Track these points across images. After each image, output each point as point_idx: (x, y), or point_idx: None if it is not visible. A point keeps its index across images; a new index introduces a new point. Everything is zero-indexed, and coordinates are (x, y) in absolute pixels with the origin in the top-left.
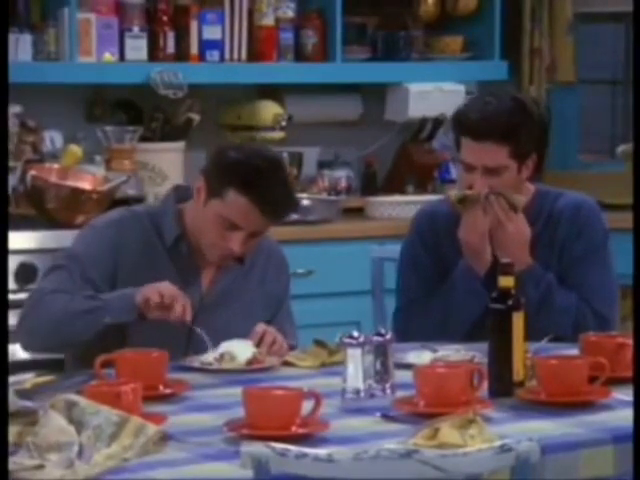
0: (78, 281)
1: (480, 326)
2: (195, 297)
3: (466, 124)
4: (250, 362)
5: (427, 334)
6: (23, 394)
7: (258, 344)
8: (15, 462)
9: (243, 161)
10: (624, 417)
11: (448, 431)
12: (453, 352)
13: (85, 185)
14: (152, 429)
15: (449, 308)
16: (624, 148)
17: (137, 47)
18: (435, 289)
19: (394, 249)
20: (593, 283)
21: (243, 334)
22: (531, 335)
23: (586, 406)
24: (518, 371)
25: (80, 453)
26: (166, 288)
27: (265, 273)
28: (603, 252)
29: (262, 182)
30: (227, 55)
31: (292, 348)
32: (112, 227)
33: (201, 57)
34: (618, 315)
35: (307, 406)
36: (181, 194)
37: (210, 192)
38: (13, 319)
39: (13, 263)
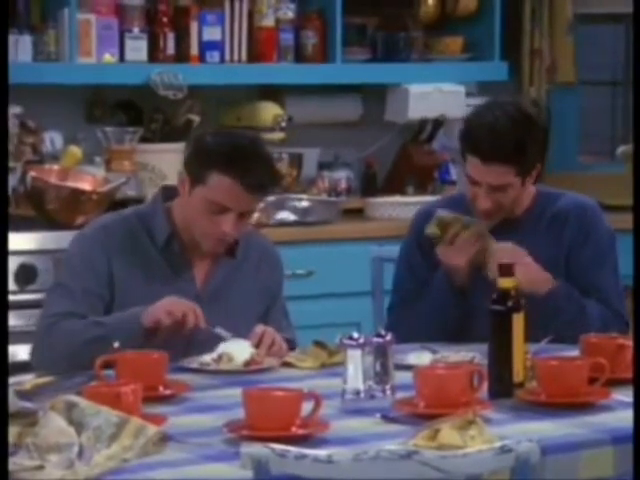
0: (80, 297)
1: (462, 329)
2: (190, 294)
3: (473, 144)
4: (248, 363)
5: (414, 334)
6: (23, 395)
7: (257, 345)
8: (15, 463)
9: (221, 142)
10: (624, 418)
11: (448, 432)
12: (453, 353)
13: (85, 186)
14: (152, 430)
15: (431, 311)
16: (624, 149)
17: (137, 48)
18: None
19: (394, 250)
20: (609, 286)
21: (239, 328)
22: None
23: (586, 407)
24: (518, 372)
25: (80, 454)
26: (172, 304)
27: (258, 268)
28: (612, 254)
29: (242, 159)
30: (227, 56)
31: (289, 341)
32: (101, 231)
33: (201, 58)
34: None
35: (307, 407)
36: (169, 193)
37: (193, 180)
38: (14, 320)
39: (13, 264)
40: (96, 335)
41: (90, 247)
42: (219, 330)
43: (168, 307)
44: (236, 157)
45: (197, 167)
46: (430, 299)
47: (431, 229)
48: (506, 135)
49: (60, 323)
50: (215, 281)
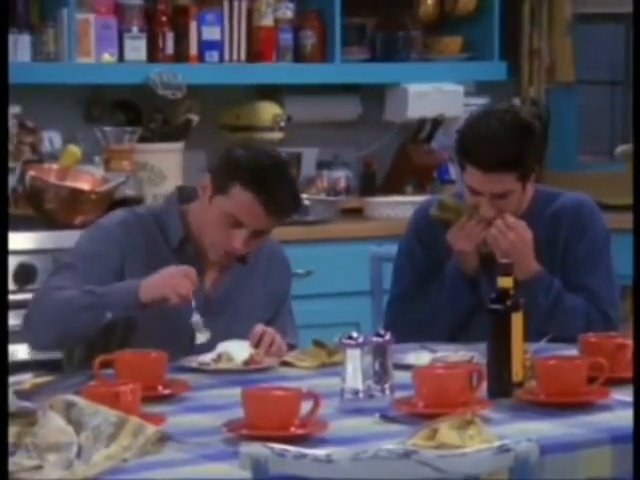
0: (85, 280)
1: (463, 327)
2: (199, 298)
3: (472, 156)
4: (247, 363)
5: (413, 331)
6: (22, 394)
7: (257, 345)
8: (14, 463)
9: (250, 158)
10: (623, 418)
11: (447, 432)
12: (452, 353)
13: (84, 185)
14: (151, 429)
15: (435, 308)
16: (623, 149)
17: (136, 48)
18: (427, 285)
19: (393, 249)
20: (599, 286)
21: (246, 333)
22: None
23: (585, 407)
24: (517, 371)
25: (79, 453)
26: (179, 283)
27: (267, 273)
28: (607, 254)
29: (267, 179)
30: (226, 56)
31: (292, 347)
32: (119, 226)
33: (200, 58)
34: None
35: (306, 407)
36: (185, 195)
37: (216, 189)
38: (12, 319)
39: (12, 264)
40: (90, 302)
41: (107, 242)
42: (198, 321)
43: (176, 287)
44: (263, 176)
45: (222, 177)
46: (442, 289)
47: (434, 211)
48: (505, 144)
49: (55, 293)
50: (224, 286)
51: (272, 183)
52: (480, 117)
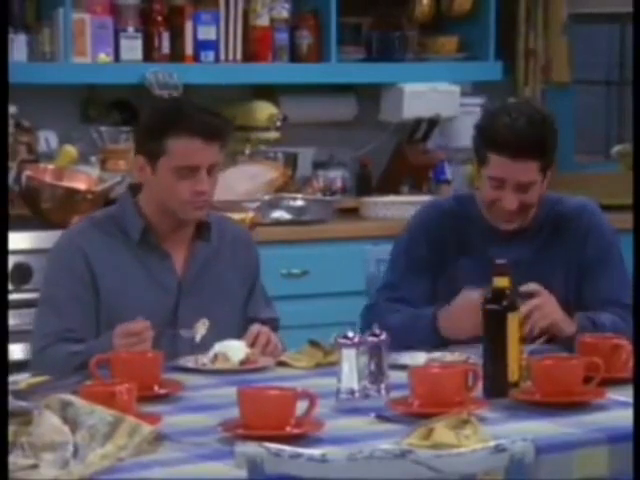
0: (68, 309)
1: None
2: (173, 284)
3: (500, 144)
4: (243, 363)
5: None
6: (18, 394)
7: (252, 345)
8: (10, 462)
9: (160, 109)
10: (619, 417)
11: (443, 431)
12: (448, 352)
13: (80, 185)
14: (147, 429)
15: (407, 330)
16: (619, 149)
17: (132, 47)
18: (417, 282)
19: (389, 249)
20: (617, 283)
21: (225, 315)
22: None
23: (581, 406)
24: (513, 371)
25: (75, 453)
26: (123, 343)
27: (234, 252)
28: (617, 250)
29: (186, 113)
30: (222, 55)
31: (273, 320)
32: (78, 237)
33: (196, 57)
34: None
35: (302, 406)
36: (136, 189)
37: (151, 158)
38: (9, 319)
39: (8, 263)
40: (79, 362)
41: (70, 256)
42: (183, 332)
43: (122, 343)
44: (180, 113)
45: (149, 145)
46: (412, 329)
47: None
48: (529, 132)
49: (49, 350)
50: (194, 267)
51: (192, 113)
52: (498, 110)
